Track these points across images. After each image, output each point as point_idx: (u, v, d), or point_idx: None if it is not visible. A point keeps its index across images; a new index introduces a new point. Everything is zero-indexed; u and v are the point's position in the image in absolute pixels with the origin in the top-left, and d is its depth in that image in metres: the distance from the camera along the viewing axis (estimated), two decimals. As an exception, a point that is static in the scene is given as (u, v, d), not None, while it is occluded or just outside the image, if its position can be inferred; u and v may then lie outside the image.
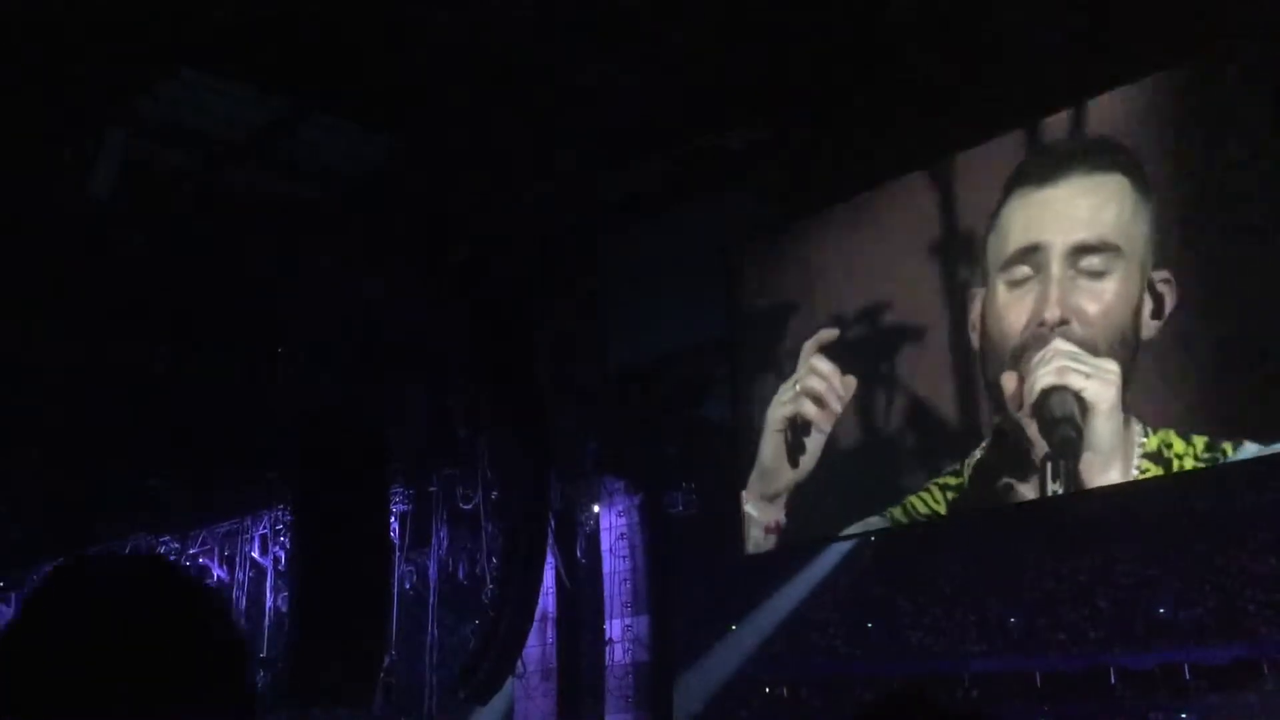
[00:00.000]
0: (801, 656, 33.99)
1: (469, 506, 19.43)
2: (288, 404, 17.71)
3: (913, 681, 30.47)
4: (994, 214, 13.18)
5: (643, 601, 19.96)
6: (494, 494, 18.98)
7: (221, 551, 23.21)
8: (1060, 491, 12.34)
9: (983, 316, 13.18)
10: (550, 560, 19.19)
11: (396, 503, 20.00)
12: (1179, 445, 11.62)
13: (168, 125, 13.22)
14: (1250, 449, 11.24)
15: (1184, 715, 28.09)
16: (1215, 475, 12.69)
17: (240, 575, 22.29)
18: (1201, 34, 11.78)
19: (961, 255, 13.54)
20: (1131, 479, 11.97)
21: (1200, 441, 11.50)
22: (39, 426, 18.21)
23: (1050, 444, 12.26)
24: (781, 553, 19.91)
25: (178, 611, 1.52)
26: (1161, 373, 11.77)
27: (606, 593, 20.35)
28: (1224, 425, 11.44)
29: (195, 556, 23.62)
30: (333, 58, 12.34)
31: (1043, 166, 12.85)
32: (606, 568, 20.49)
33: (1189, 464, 11.68)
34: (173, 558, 23.56)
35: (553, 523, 18.86)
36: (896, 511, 14.11)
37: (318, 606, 16.80)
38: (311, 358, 17.47)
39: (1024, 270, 12.76)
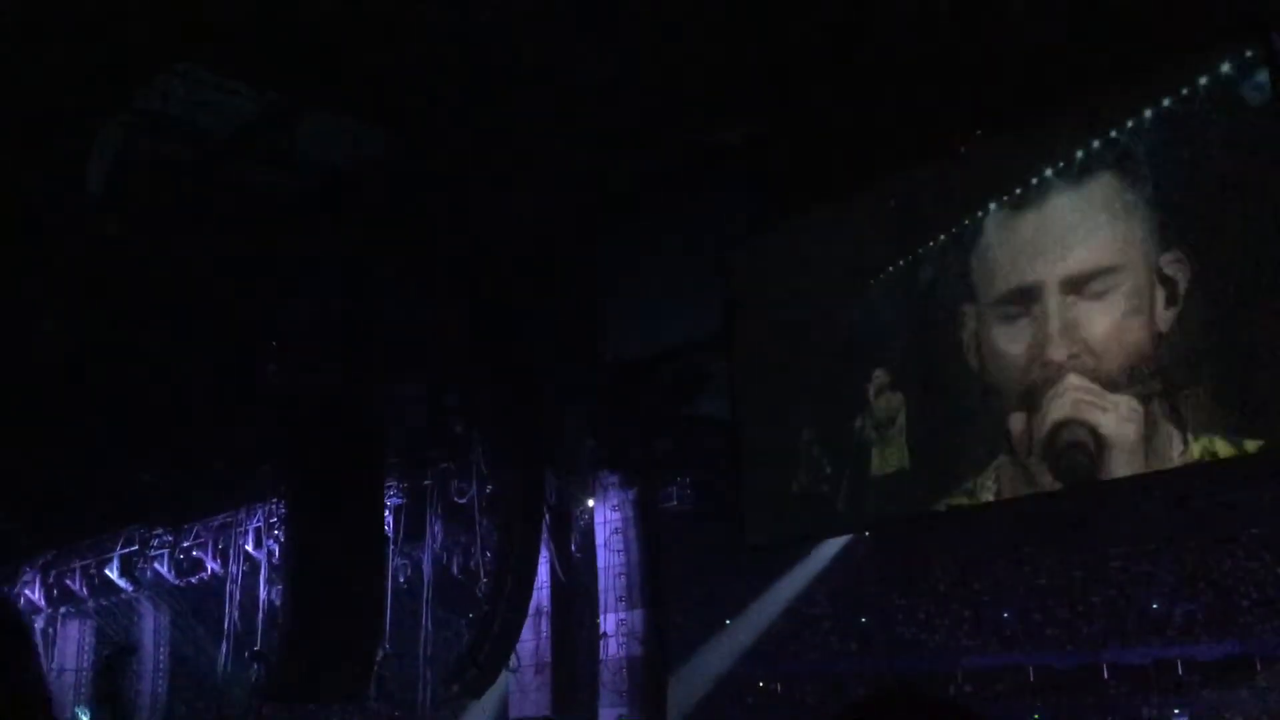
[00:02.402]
0: (796, 651, 34.02)
1: (463, 500, 19.43)
2: (283, 397, 17.70)
3: (901, 677, 30.54)
4: (975, 231, 13.06)
5: (637, 596, 19.96)
6: (488, 488, 18.98)
7: (215, 544, 23.18)
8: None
9: (978, 343, 12.98)
10: (545, 554, 19.19)
11: (391, 496, 19.97)
12: (1224, 449, 11.08)
13: (164, 119, 13.21)
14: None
15: (1177, 711, 28.15)
16: (1210, 472, 12.54)
17: (234, 568, 22.25)
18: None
19: (936, 266, 13.51)
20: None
21: (1253, 445, 10.95)
22: (32, 419, 18.18)
23: (1062, 480, 12.14)
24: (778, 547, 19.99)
25: None
26: (1188, 370, 11.29)
27: (601, 587, 20.34)
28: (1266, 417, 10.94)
29: (189, 549, 23.62)
30: (329, 52, 12.33)
31: (1026, 182, 12.62)
32: (601, 562, 20.48)
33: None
34: (165, 551, 23.60)
35: (547, 517, 18.86)
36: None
37: (312, 600, 16.81)
38: (307, 351, 17.46)
39: (1015, 309, 12.60)
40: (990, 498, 12.85)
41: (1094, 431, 11.81)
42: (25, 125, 12.15)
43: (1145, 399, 11.51)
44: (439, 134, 14.22)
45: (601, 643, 20.16)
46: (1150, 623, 29.83)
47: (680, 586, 25.65)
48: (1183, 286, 11.37)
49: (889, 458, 13.87)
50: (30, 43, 11.28)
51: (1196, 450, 11.18)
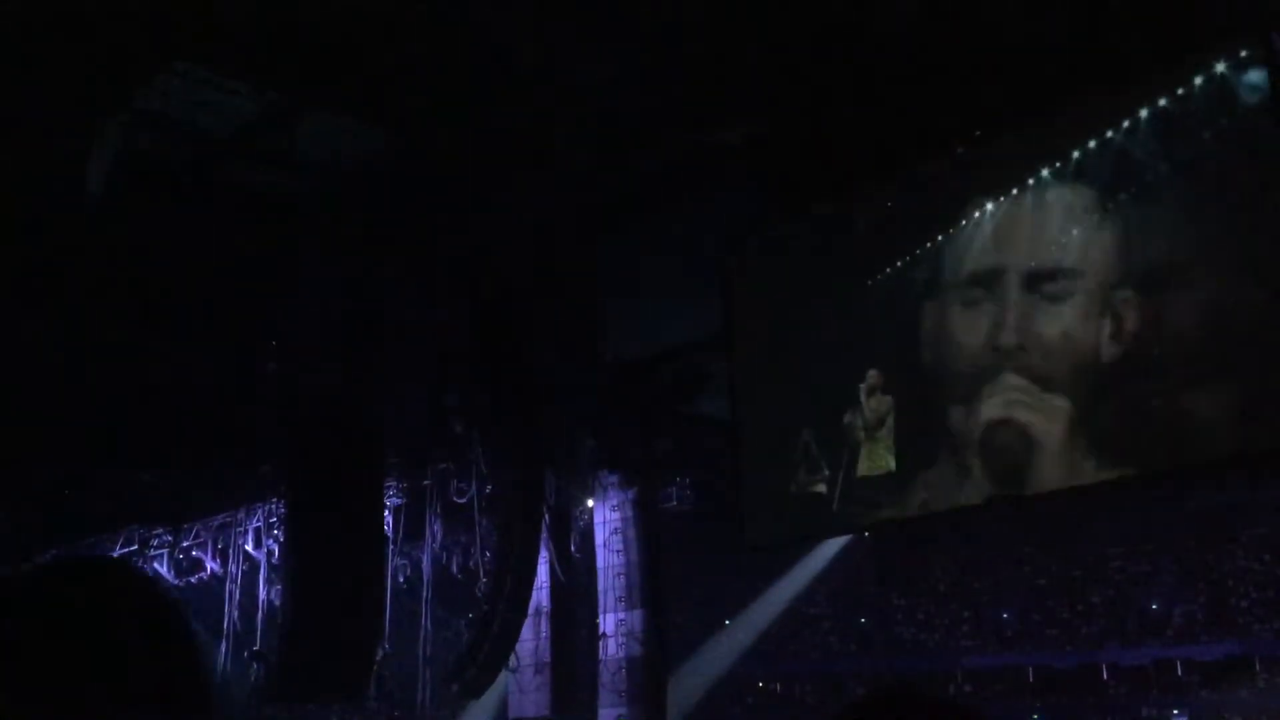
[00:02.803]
0: (795, 651, 34.07)
1: (463, 500, 19.43)
2: (283, 397, 17.70)
3: (901, 677, 30.57)
4: (973, 230, 13.13)
5: (637, 596, 19.98)
6: (488, 488, 18.98)
7: (215, 544, 23.18)
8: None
9: (934, 333, 13.18)
10: (544, 554, 19.20)
11: (390, 496, 19.98)
12: (1126, 474, 11.65)
13: (164, 119, 13.21)
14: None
15: (1176, 711, 28.19)
16: (1208, 471, 12.68)
17: (234, 568, 22.26)
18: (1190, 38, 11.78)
19: (932, 266, 13.60)
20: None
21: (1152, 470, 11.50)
22: (33, 418, 18.17)
23: (993, 479, 12.40)
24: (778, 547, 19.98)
25: (131, 613, 1.52)
26: (1119, 404, 11.62)
27: (600, 587, 20.36)
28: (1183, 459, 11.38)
29: (189, 549, 23.61)
30: (329, 52, 12.33)
31: (1008, 178, 12.76)
32: (601, 562, 20.51)
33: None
34: (165, 550, 23.58)
35: (547, 517, 18.87)
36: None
37: (312, 599, 16.80)
38: (307, 351, 17.46)
39: (978, 293, 12.80)
40: (945, 506, 13.12)
41: (1024, 432, 12.11)
42: (25, 125, 12.15)
43: (1076, 407, 11.80)
44: (439, 134, 14.22)
45: (601, 643, 20.17)
46: (1150, 623, 29.86)
47: (680, 586, 25.68)
48: (1129, 327, 11.61)
49: (876, 459, 13.95)
50: (30, 43, 11.27)
51: (1113, 473, 11.64)
